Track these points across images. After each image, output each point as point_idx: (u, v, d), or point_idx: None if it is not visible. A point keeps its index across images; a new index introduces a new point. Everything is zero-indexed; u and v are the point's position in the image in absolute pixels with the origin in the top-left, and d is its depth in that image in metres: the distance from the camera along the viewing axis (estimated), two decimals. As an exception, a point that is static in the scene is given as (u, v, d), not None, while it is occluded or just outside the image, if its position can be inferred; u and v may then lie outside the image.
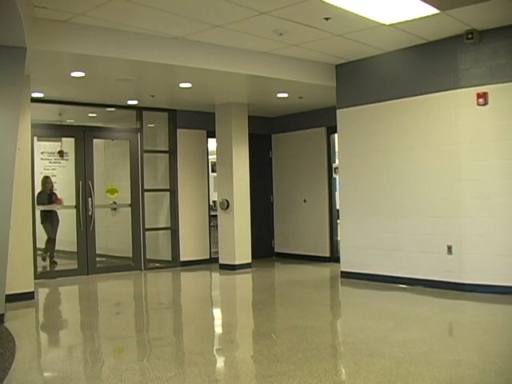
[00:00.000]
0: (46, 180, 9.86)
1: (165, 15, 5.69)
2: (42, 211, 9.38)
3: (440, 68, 6.84)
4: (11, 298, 5.95)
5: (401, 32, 6.45)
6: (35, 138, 8.03)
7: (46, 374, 4.12)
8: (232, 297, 7.65)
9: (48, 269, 9.36)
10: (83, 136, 8.89)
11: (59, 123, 9.40)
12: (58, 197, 9.65)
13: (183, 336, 5.36)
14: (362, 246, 7.74)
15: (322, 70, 7.93)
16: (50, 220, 9.78)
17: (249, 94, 8.86)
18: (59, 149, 9.57)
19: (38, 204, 9.21)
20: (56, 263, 9.62)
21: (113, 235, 10.42)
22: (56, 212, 9.82)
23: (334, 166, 9.72)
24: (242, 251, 9.16)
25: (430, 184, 6.99)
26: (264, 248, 10.52)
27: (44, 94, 7.87)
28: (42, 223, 9.50)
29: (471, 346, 4.52)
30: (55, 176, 9.60)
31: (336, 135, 8.59)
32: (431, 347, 4.40)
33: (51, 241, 9.94)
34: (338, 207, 8.83)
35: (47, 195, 9.61)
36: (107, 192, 9.64)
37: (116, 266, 9.43)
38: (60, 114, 9.36)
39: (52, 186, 9.87)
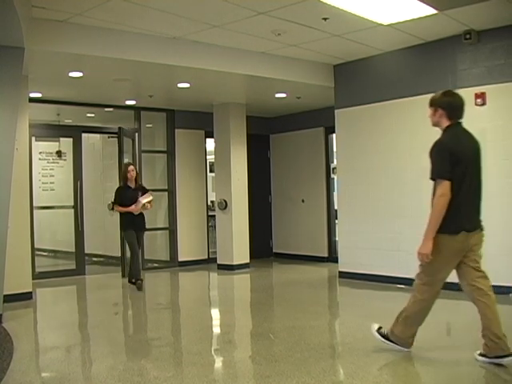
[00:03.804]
0: (127, 168, 7.33)
1: (163, 15, 5.69)
2: (124, 214, 7.34)
3: (438, 68, 6.84)
4: (9, 298, 5.93)
5: (399, 32, 6.45)
6: (33, 138, 8.01)
7: (44, 375, 4.12)
8: (230, 297, 7.64)
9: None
10: (81, 136, 8.88)
11: (57, 123, 9.39)
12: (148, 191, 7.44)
13: (181, 336, 5.36)
14: (360, 246, 7.74)
15: (320, 70, 7.93)
16: (137, 226, 7.42)
17: (247, 94, 8.86)
18: (57, 149, 9.50)
19: (121, 205, 7.27)
20: (141, 281, 7.29)
21: (111, 235, 10.40)
22: (143, 214, 7.47)
23: (332, 166, 9.72)
24: (240, 251, 9.15)
25: (429, 184, 6.95)
26: (262, 248, 10.50)
27: (42, 94, 7.85)
28: (124, 230, 7.47)
29: (470, 345, 4.52)
30: (53, 176, 9.54)
31: (334, 135, 8.59)
32: (430, 347, 4.40)
33: (134, 255, 7.41)
34: (336, 207, 8.84)
35: (132, 191, 7.37)
36: None
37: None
38: (58, 114, 9.34)
39: (138, 177, 7.49)
